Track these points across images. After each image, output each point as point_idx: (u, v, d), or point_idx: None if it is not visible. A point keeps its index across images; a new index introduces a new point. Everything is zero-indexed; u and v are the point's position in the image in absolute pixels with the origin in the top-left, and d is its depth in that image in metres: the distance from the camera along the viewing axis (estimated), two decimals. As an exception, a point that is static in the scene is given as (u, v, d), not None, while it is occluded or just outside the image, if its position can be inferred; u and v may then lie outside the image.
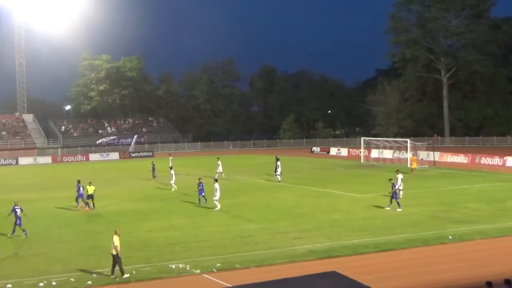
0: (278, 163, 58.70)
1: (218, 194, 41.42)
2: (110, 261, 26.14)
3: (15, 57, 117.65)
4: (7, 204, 45.50)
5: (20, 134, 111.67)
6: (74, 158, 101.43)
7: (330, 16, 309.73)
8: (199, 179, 44.81)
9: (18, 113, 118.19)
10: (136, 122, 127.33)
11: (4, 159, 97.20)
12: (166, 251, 29.33)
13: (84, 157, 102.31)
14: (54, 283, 24.22)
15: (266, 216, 38.96)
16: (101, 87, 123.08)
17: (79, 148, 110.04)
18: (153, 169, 62.51)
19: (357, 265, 25.77)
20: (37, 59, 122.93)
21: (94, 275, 25.17)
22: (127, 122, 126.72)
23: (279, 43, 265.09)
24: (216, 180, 42.72)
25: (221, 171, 61.32)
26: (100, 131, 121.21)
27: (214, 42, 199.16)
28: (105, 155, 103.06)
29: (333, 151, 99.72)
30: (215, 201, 41.49)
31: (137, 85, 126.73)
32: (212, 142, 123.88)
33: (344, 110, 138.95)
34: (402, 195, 43.26)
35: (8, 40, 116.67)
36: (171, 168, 55.67)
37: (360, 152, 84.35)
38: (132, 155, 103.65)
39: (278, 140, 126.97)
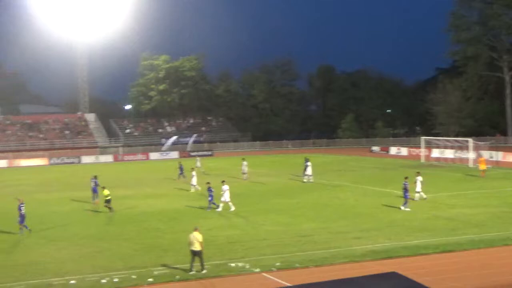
0: (308, 163, 58.43)
1: (226, 195, 41.39)
2: (171, 258, 26.49)
3: (78, 59, 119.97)
4: (72, 202, 46.63)
5: (83, 133, 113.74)
6: (134, 157, 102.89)
7: (389, 14, 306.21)
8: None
9: (80, 113, 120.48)
10: (195, 121, 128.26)
11: (67, 158, 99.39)
12: (225, 249, 29.44)
13: (145, 155, 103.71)
14: (116, 279, 24.57)
15: (326, 215, 38.78)
16: (160, 87, 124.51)
17: (140, 147, 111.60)
18: (181, 169, 62.89)
19: (417, 266, 25.40)
20: (99, 59, 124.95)
21: (155, 272, 25.43)
22: (186, 121, 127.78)
23: (338, 42, 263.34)
24: (223, 181, 42.41)
25: (245, 171, 61.43)
26: (159, 130, 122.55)
27: (273, 42, 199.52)
28: (165, 154, 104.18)
29: (393, 150, 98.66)
30: (223, 202, 41.47)
31: (196, 84, 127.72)
32: (270, 141, 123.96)
33: (404, 109, 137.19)
34: (420, 198, 43.09)
35: (70, 41, 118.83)
36: (192, 169, 55.38)
37: (420, 151, 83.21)
38: (191, 154, 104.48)
39: (337, 139, 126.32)
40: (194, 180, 51.77)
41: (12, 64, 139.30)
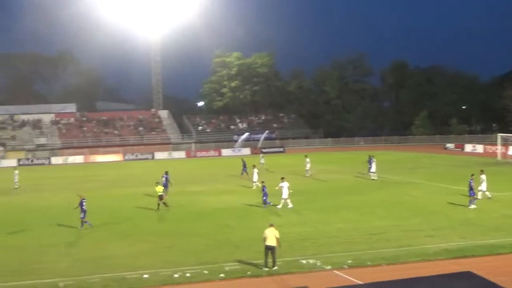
0: (373, 159, 57.69)
1: (285, 192, 41.20)
2: (242, 254, 26.61)
3: (151, 56, 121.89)
4: (145, 198, 47.33)
5: (156, 130, 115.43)
6: (206, 153, 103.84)
7: (464, 9, 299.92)
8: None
9: (154, 109, 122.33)
10: (267, 118, 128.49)
11: (141, 154, 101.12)
12: (296, 246, 29.39)
13: (217, 152, 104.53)
14: (188, 274, 24.81)
15: (398, 213, 38.29)
16: (233, 84, 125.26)
17: (212, 143, 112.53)
18: (244, 166, 62.98)
19: (492, 266, 24.81)
20: (172, 57, 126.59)
21: (227, 268, 25.57)
22: (258, 118, 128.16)
23: (411, 38, 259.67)
24: (283, 178, 42.28)
25: (308, 168, 61.09)
26: (231, 127, 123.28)
27: (345, 38, 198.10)
28: (237, 151, 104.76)
29: (468, 147, 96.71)
30: (283, 200, 41.36)
31: (268, 81, 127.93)
32: (342, 138, 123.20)
33: (479, 105, 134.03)
34: (484, 196, 42.27)
35: (144, 39, 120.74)
36: (254, 166, 55.45)
37: (497, 149, 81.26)
38: (263, 150, 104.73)
39: (409, 136, 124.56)
40: (255, 177, 51.92)
41: (89, 62, 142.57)
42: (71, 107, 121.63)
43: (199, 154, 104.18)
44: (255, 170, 53.02)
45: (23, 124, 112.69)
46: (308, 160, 61.87)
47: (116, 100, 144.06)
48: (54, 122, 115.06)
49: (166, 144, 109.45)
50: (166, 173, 50.02)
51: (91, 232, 34.57)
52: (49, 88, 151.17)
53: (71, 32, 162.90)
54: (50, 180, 67.32)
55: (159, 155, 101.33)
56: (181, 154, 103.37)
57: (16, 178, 59.19)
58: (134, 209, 42.84)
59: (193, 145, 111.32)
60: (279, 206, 41.07)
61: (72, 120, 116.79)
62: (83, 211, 35.69)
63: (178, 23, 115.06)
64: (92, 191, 52.81)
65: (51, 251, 30.00)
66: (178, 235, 32.83)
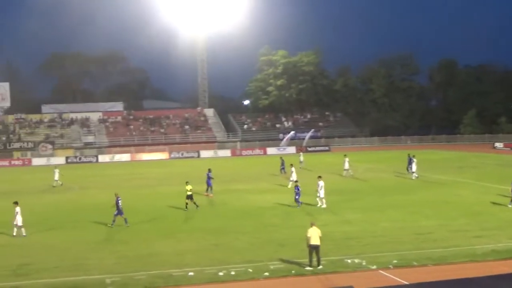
0: (414, 159, 57.00)
1: (322, 191, 40.91)
2: (286, 253, 26.60)
3: (197, 55, 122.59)
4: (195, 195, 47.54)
5: (202, 128, 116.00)
6: (252, 152, 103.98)
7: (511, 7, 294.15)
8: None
9: (200, 108, 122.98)
10: (313, 116, 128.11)
11: (187, 152, 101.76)
12: (341, 245, 29.25)
13: (262, 150, 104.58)
14: (233, 273, 24.89)
15: (445, 213, 37.81)
16: (278, 82, 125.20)
17: (257, 142, 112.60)
18: (282, 164, 62.77)
19: (543, 268, 24.33)
20: (218, 55, 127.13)
21: (272, 267, 25.57)
22: (303, 116, 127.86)
23: (460, 36, 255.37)
24: (320, 177, 42.00)
25: (347, 168, 60.66)
26: (277, 125, 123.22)
27: (392, 36, 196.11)
28: (282, 149, 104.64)
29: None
30: (318, 199, 41.12)
31: (314, 79, 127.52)
32: (389, 136, 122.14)
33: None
34: None
35: (190, 38, 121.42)
36: (291, 165, 55.21)
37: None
38: (309, 149, 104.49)
39: (458, 135, 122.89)
40: (294, 176, 51.79)
41: (136, 61, 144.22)
42: (118, 106, 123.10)
43: (244, 152, 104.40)
44: (293, 169, 53.03)
45: (72, 122, 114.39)
46: (347, 159, 61.51)
47: (162, 99, 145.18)
48: (102, 121, 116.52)
49: (211, 143, 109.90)
50: (209, 170, 50.22)
51: (138, 229, 34.91)
52: (97, 87, 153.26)
53: (119, 32, 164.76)
54: (97, 178, 68.21)
55: (205, 153, 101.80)
56: (226, 153, 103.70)
57: (57, 176, 59.93)
58: (180, 207, 43.10)
59: (238, 144, 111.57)
60: (321, 205, 40.97)
61: (119, 118, 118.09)
62: (118, 209, 36.16)
63: (224, 22, 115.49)
64: (138, 189, 53.41)
65: (98, 247, 30.40)
66: (223, 233, 32.95)
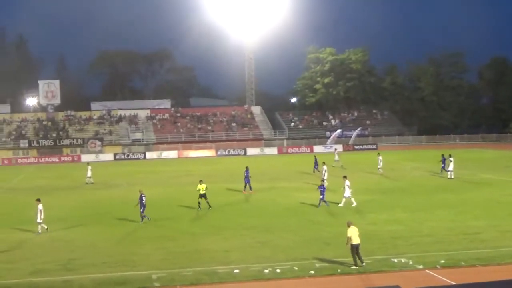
0: (451, 159, 56.13)
1: (348, 191, 40.65)
2: (332, 252, 26.52)
3: (245, 52, 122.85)
4: (237, 193, 47.77)
5: (248, 126, 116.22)
6: (298, 150, 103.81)
7: None
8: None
9: (247, 106, 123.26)
10: (360, 114, 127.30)
11: (234, 149, 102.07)
12: (388, 244, 29.02)
13: (308, 148, 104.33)
14: (278, 270, 24.89)
15: (495, 213, 37.18)
16: (326, 80, 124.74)
17: (304, 139, 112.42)
18: (315, 163, 62.39)
19: None
20: (266, 53, 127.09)
21: (317, 265, 25.50)
22: (351, 114, 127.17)
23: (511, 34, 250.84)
24: (345, 177, 41.79)
25: (380, 166, 60.01)
26: (324, 123, 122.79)
27: (440, 34, 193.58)
28: (329, 147, 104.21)
29: None
30: (345, 198, 40.81)
31: (362, 77, 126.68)
32: (437, 135, 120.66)
33: None
34: None
35: (238, 36, 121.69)
36: (324, 163, 54.99)
37: None
38: (356, 147, 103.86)
39: (508, 134, 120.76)
40: (325, 175, 51.46)
41: (184, 59, 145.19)
42: (166, 103, 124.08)
43: (291, 150, 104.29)
44: (325, 167, 52.87)
45: (120, 119, 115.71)
46: (380, 158, 61.05)
47: (209, 96, 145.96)
48: (150, 118, 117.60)
49: (258, 140, 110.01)
50: (247, 169, 50.36)
51: (185, 226, 35.18)
52: (145, 84, 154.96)
53: (167, 30, 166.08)
54: (145, 175, 68.83)
55: (251, 151, 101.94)
56: (273, 150, 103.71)
57: (89, 173, 60.50)
58: (227, 204, 43.29)
59: (285, 141, 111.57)
60: (340, 204, 40.76)
61: (166, 115, 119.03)
62: (143, 206, 36.57)
63: (272, 20, 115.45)
64: (185, 186, 53.73)
65: (146, 243, 30.69)
66: (269, 231, 32.97)
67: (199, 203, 40.91)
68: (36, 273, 25.66)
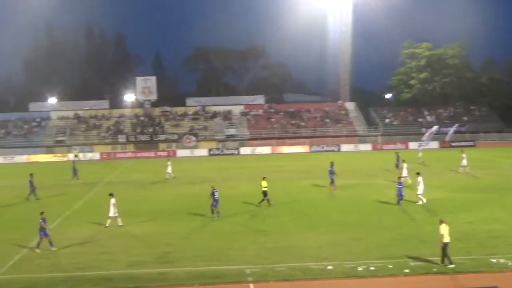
0: None
1: (421, 188, 39.77)
2: (428, 250, 26.00)
3: (339, 48, 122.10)
4: (328, 190, 47.53)
5: (342, 122, 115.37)
6: (393, 146, 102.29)
7: None
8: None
9: (341, 101, 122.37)
10: (457, 110, 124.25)
11: (327, 145, 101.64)
12: (487, 244, 28.20)
13: (403, 145, 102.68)
14: (372, 268, 24.61)
15: None
16: (421, 75, 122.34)
17: (399, 136, 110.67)
18: (398, 160, 60.78)
19: None
20: (360, 48, 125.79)
21: (412, 263, 25.05)
22: (447, 110, 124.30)
23: None
24: (418, 174, 40.88)
25: (465, 164, 57.94)
26: (419, 119, 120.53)
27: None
28: (425, 144, 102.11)
29: None
30: (418, 196, 39.91)
31: (459, 72, 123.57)
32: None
33: None
34: None
35: (332, 32, 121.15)
36: (403, 161, 53.63)
37: None
38: (452, 144, 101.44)
39: None
40: (405, 172, 50.36)
41: (278, 55, 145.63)
42: (259, 99, 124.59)
43: (385, 147, 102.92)
44: (404, 165, 51.83)
45: (214, 115, 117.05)
46: (464, 155, 59.20)
47: (303, 92, 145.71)
48: (243, 114, 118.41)
49: (352, 137, 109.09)
50: (332, 164, 49.99)
51: (278, 222, 35.26)
52: (239, 80, 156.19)
53: (260, 26, 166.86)
54: (238, 170, 69.40)
55: (345, 147, 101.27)
56: (367, 147, 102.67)
57: (169, 169, 61.30)
58: (320, 200, 43.17)
59: (379, 138, 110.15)
60: (421, 203, 39.87)
61: (260, 111, 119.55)
62: (215, 201, 36.95)
63: (366, 14, 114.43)
64: (279, 182, 53.84)
65: (240, 238, 30.94)
66: (363, 228, 32.63)
67: (264, 200, 41.12)
68: (132, 265, 26.30)
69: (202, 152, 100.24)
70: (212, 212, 37.22)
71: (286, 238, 30.73)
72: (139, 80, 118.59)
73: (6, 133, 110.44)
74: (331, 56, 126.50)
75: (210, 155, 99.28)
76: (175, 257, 27.41)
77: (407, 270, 24.21)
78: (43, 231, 29.53)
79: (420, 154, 69.90)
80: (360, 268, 24.58)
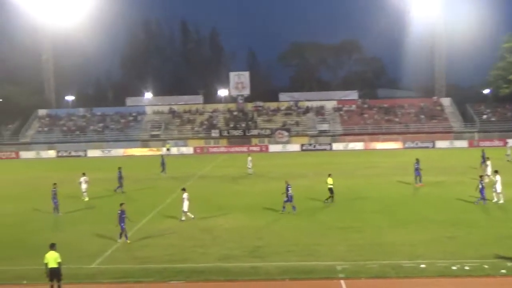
0: None
1: (499, 186, 38.62)
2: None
3: (435, 42, 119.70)
4: (426, 186, 46.67)
5: (437, 118, 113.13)
6: (490, 143, 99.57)
7: None
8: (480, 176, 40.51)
9: (435, 97, 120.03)
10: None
11: (421, 142, 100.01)
12: None
13: (501, 142, 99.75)
14: (467, 267, 24.00)
15: None
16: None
17: (496, 133, 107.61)
18: (483, 157, 58.41)
19: None
20: (456, 43, 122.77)
21: (509, 264, 24.28)
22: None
23: None
24: (496, 172, 39.75)
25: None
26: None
27: None
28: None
29: None
30: (495, 193, 38.88)
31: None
32: None
33: None
34: None
35: (427, 26, 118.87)
36: (488, 158, 51.94)
37: None
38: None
39: None
40: (488, 170, 48.69)
41: (372, 49, 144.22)
42: (353, 94, 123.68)
43: (482, 143, 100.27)
44: (488, 163, 50.47)
45: (307, 110, 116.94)
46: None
47: (397, 87, 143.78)
48: (336, 109, 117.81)
49: (447, 133, 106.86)
50: (417, 161, 49.09)
51: (370, 218, 34.89)
52: (332, 75, 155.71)
53: (355, 20, 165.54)
54: (331, 166, 68.94)
55: (440, 143, 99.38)
56: (463, 143, 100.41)
57: (250, 164, 61.35)
58: (411, 197, 42.53)
59: (476, 135, 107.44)
60: (498, 200, 38.72)
61: (353, 107, 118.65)
62: (288, 196, 37.21)
63: (462, 6, 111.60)
64: (371, 178, 53.39)
65: (331, 234, 30.79)
66: (457, 226, 31.87)
67: (330, 197, 40.91)
68: (224, 259, 26.57)
69: (294, 147, 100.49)
70: (283, 207, 37.52)
71: (378, 235, 30.36)
72: (233, 75, 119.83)
73: (104, 127, 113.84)
74: (426, 51, 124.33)
75: (302, 150, 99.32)
76: (266, 252, 27.52)
77: (504, 271, 23.49)
78: (123, 221, 30.31)
79: (509, 152, 67.77)
80: (454, 267, 24.01)
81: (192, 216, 35.45)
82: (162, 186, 53.32)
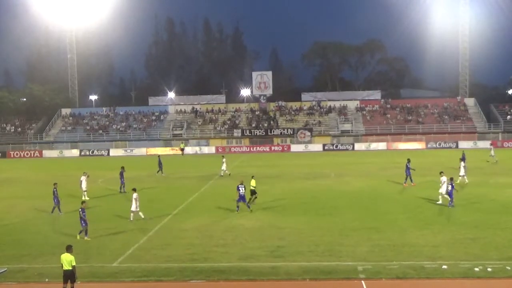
0: None
1: (443, 187, 38.67)
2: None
3: (459, 42, 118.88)
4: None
5: (461, 118, 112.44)
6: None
7: None
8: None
9: (459, 97, 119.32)
10: None
11: (444, 142, 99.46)
12: None
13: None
14: (489, 269, 23.78)
15: None
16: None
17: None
18: (463, 158, 57.92)
19: None
20: (481, 42, 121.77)
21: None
22: None
23: None
24: (442, 173, 39.86)
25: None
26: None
27: None
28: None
29: None
30: (440, 195, 38.99)
31: None
32: None
33: None
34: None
35: (448, 25, 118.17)
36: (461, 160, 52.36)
37: None
38: None
39: None
40: (462, 171, 49.44)
41: (395, 49, 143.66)
42: (375, 94, 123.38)
43: (506, 144, 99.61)
44: (462, 164, 50.45)
45: (329, 110, 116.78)
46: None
47: (420, 87, 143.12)
48: (359, 109, 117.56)
49: (471, 133, 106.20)
50: (408, 161, 49.89)
51: (392, 219, 34.73)
52: (355, 75, 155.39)
53: (378, 20, 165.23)
54: (353, 166, 68.92)
55: (463, 144, 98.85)
56: (487, 144, 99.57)
57: (224, 166, 60.89)
58: (435, 198, 42.15)
59: (500, 135, 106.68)
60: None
61: (376, 107, 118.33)
62: (240, 196, 37.85)
63: (486, 6, 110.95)
64: (394, 178, 53.10)
65: (352, 234, 30.65)
66: (481, 227, 31.58)
67: (255, 198, 41.01)
68: (245, 258, 26.55)
69: (316, 147, 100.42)
70: (237, 206, 38.02)
71: (400, 235, 30.18)
72: (255, 75, 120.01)
73: (126, 126, 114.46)
74: (450, 50, 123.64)
75: (325, 150, 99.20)
76: (288, 252, 27.47)
77: (532, 273, 23.30)
78: (83, 220, 30.79)
79: (493, 152, 68.68)
80: (476, 269, 23.80)
81: (143, 216, 35.52)
82: (184, 185, 53.51)
